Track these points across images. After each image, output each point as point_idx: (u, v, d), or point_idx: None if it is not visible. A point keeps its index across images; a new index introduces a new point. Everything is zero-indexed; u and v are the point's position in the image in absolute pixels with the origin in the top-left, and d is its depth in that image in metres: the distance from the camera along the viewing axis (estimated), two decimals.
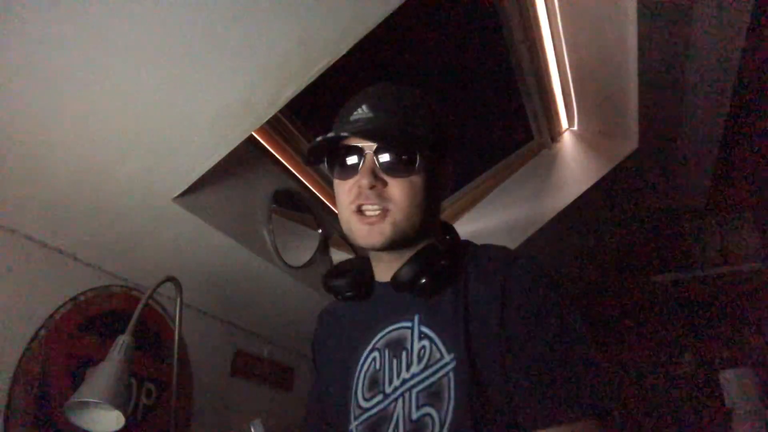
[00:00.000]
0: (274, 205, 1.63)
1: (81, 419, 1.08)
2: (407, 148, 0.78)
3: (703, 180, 2.68)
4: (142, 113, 1.11)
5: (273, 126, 1.63)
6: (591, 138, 2.33)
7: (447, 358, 0.72)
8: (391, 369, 0.76)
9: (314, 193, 1.88)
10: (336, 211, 1.98)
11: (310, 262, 1.74)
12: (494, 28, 1.81)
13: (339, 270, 0.89)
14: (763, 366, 2.50)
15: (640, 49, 1.68)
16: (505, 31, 1.83)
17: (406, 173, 0.78)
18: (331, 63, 1.16)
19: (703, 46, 1.78)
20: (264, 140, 1.64)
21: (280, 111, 1.33)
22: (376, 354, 0.79)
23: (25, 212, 1.18)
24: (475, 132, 2.17)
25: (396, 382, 0.75)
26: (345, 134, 0.77)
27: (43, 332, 1.19)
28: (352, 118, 0.79)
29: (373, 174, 0.77)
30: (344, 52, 1.15)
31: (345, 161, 0.79)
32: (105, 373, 1.07)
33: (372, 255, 0.87)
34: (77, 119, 1.07)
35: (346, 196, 0.79)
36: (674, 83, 1.96)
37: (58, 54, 0.95)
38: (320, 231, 1.83)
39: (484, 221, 2.26)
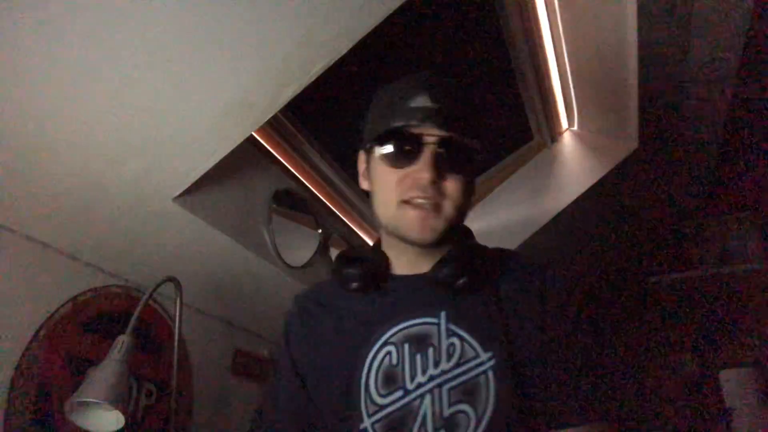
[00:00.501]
0: (274, 205, 1.63)
1: (81, 419, 1.08)
2: (471, 144, 0.78)
3: (703, 180, 2.68)
4: (142, 113, 1.11)
5: (273, 126, 1.63)
6: (591, 138, 2.33)
7: (483, 356, 0.73)
8: (413, 364, 0.74)
9: (314, 193, 1.88)
10: (336, 212, 1.98)
11: (310, 262, 1.74)
12: (494, 28, 1.81)
13: (352, 258, 0.85)
14: (763, 366, 2.50)
15: (640, 48, 1.68)
16: (505, 31, 1.83)
17: (463, 169, 0.78)
18: (331, 63, 1.16)
19: (703, 46, 1.78)
20: (264, 140, 1.64)
21: (280, 111, 1.34)
22: (391, 348, 0.76)
23: (25, 212, 1.18)
24: None
25: (421, 378, 0.73)
26: (418, 123, 0.75)
27: (43, 332, 1.19)
28: (412, 105, 0.76)
29: (435, 168, 0.75)
30: (344, 52, 1.15)
31: (401, 149, 0.77)
32: (105, 373, 1.08)
33: (392, 246, 0.84)
34: (77, 119, 1.07)
35: (395, 186, 0.77)
36: (674, 83, 1.96)
37: (58, 54, 0.95)
38: (320, 231, 1.83)
39: (484, 221, 2.27)
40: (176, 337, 1.36)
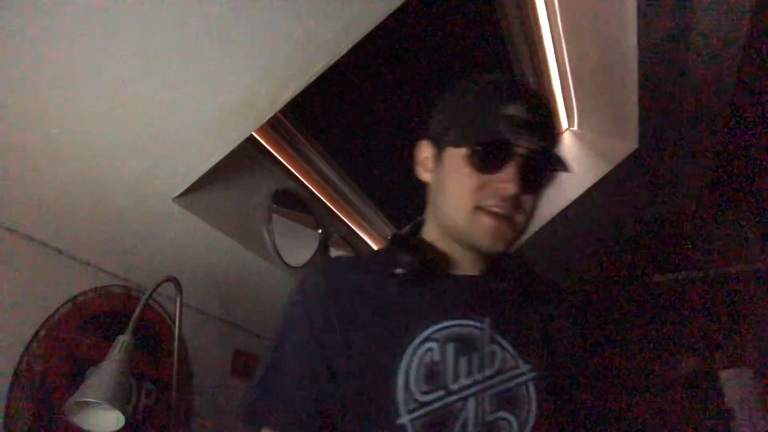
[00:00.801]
0: (274, 205, 1.63)
1: (81, 419, 1.08)
2: (558, 160, 0.77)
3: (703, 180, 2.68)
4: (143, 113, 1.11)
5: (273, 126, 1.63)
6: (591, 138, 2.33)
7: (523, 368, 0.74)
8: (456, 365, 0.73)
9: (314, 193, 1.88)
10: (336, 212, 1.98)
11: (310, 262, 1.74)
12: (494, 29, 1.81)
13: (411, 244, 0.81)
14: (763, 366, 2.51)
15: (640, 48, 1.68)
16: (505, 32, 1.83)
17: (544, 185, 0.78)
18: (331, 63, 1.16)
19: (703, 46, 1.78)
20: (264, 140, 1.64)
21: (280, 111, 1.34)
22: (433, 345, 0.73)
23: (25, 212, 1.18)
24: None
25: (465, 381, 0.72)
26: (512, 132, 0.73)
27: (43, 332, 1.19)
28: (506, 112, 0.73)
29: (521, 181, 0.73)
30: (344, 52, 1.15)
31: (490, 156, 0.74)
32: (105, 373, 1.08)
33: (444, 244, 0.82)
34: (77, 119, 1.07)
35: (474, 190, 0.75)
36: (674, 83, 1.96)
37: (58, 54, 0.95)
38: (320, 231, 1.83)
39: None
40: (176, 337, 1.36)
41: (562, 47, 1.94)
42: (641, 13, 1.55)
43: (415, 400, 0.71)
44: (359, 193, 2.04)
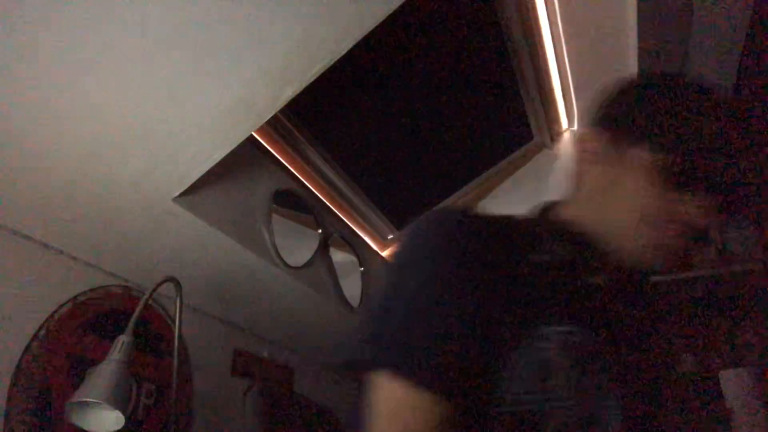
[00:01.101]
0: (274, 205, 1.63)
1: (81, 419, 1.08)
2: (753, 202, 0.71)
3: None
4: (142, 114, 1.11)
5: (273, 126, 1.63)
6: None
7: (613, 393, 0.71)
8: (560, 374, 0.69)
9: (314, 193, 1.88)
10: (336, 212, 1.98)
11: (310, 262, 1.74)
12: (494, 29, 1.81)
13: (563, 235, 0.74)
14: (763, 366, 2.50)
15: (641, 48, 1.68)
16: (505, 31, 1.83)
17: (728, 222, 0.73)
18: (331, 63, 1.16)
19: (703, 47, 1.78)
20: (264, 140, 1.64)
21: (280, 111, 1.34)
22: (546, 346, 0.69)
23: (25, 212, 1.18)
24: (475, 132, 2.18)
25: (560, 392, 0.68)
26: (739, 164, 0.66)
27: (43, 332, 1.19)
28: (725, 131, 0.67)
29: (717, 211, 0.65)
30: (344, 52, 1.15)
31: (694, 173, 0.65)
32: (105, 373, 1.08)
33: (587, 243, 0.75)
34: (77, 120, 1.07)
35: (656, 203, 0.67)
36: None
37: (58, 55, 0.95)
38: (320, 231, 1.83)
39: None
40: (176, 337, 1.36)
41: (562, 47, 1.94)
42: (641, 13, 1.55)
43: (513, 396, 0.66)
44: (359, 193, 2.04)
